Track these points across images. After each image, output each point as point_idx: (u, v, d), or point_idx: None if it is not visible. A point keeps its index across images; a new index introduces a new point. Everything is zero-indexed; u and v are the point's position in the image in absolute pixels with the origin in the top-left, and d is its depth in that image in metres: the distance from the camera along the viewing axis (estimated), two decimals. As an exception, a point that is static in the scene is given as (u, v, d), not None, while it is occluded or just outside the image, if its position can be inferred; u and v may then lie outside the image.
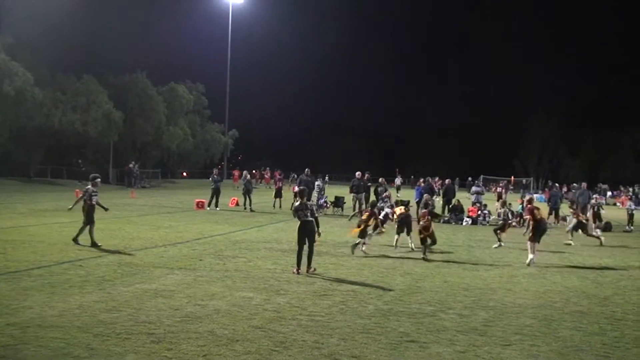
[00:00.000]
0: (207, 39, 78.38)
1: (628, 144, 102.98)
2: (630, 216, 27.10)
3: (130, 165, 50.59)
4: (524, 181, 75.23)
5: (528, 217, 16.62)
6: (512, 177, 71.26)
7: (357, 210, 28.26)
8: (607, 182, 68.67)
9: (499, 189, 48.28)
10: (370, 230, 16.48)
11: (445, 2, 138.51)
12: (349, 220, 21.97)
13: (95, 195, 15.93)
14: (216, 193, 29.37)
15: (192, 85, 67.59)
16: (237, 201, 31.72)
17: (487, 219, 27.73)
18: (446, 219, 27.54)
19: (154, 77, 59.82)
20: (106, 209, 16.30)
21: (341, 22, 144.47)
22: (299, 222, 13.06)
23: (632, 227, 26.77)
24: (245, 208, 29.01)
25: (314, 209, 13.70)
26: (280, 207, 30.96)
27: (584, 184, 31.12)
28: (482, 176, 56.98)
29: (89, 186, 16.01)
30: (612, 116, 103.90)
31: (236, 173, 59.79)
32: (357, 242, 16.14)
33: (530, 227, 16.10)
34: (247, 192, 29.63)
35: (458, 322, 9.26)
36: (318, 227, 13.13)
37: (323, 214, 28.64)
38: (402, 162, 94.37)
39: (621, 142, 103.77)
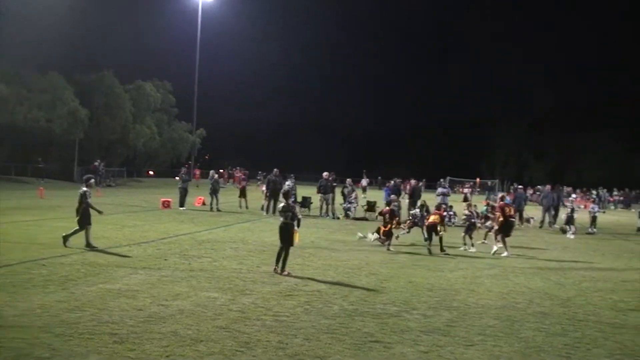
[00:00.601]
0: (176, 36, 77.97)
1: (592, 148, 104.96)
2: (593, 218, 27.49)
3: (96, 164, 49.94)
4: (489, 183, 75.83)
5: (498, 213, 17.68)
6: (478, 179, 71.82)
7: (324, 210, 28.33)
8: (571, 185, 69.63)
9: (465, 190, 48.65)
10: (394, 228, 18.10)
11: (417, 5, 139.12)
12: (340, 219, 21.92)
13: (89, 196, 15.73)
14: (184, 193, 29.15)
15: (159, 83, 66.87)
16: (203, 200, 31.54)
17: (452, 220, 27.92)
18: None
19: (121, 74, 59.16)
20: (100, 212, 15.90)
21: (312, 22, 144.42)
22: (280, 223, 13.21)
23: (594, 229, 27.17)
24: (211, 208, 28.84)
25: (296, 211, 13.84)
26: (246, 207, 30.84)
27: (547, 187, 31.57)
28: (448, 177, 57.27)
29: (85, 188, 15.76)
30: (576, 120, 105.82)
31: (197, 172, 59.48)
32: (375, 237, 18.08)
33: (499, 223, 17.29)
34: (214, 192, 29.44)
35: (422, 322, 9.33)
36: (298, 226, 13.44)
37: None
38: (369, 163, 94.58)
39: (585, 146, 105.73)
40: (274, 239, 18.08)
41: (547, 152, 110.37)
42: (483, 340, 8.56)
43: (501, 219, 17.54)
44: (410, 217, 21.51)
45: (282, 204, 13.61)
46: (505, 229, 17.47)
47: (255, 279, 12.11)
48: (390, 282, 12.54)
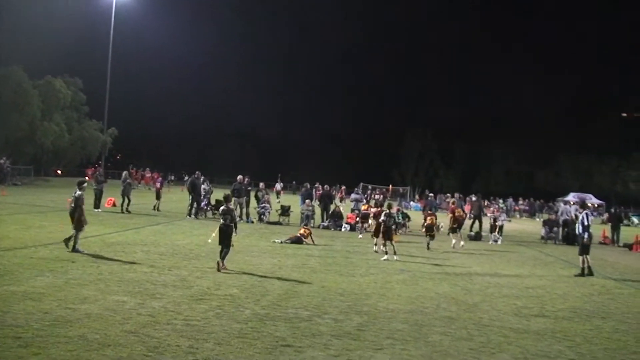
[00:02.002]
0: (90, 33, 75.70)
1: (499, 160, 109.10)
2: (500, 227, 28.34)
3: (1, 161, 48.11)
4: (401, 190, 77.21)
5: (450, 215, 23.19)
6: (390, 186, 72.87)
7: (238, 214, 28.17)
8: (478, 194, 71.73)
9: (377, 197, 49.33)
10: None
11: (334, 9, 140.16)
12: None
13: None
14: (99, 194, 28.42)
15: (70, 80, 64.92)
16: (114, 202, 30.83)
17: (365, 225, 28.31)
18: (325, 224, 27.95)
19: (30, 70, 57.15)
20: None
21: (226, 23, 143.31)
22: (220, 224, 14.36)
23: (500, 237, 28.04)
24: (122, 210, 28.22)
25: (234, 214, 15.21)
26: (158, 209, 30.37)
27: (456, 195, 32.56)
28: (361, 184, 57.95)
29: (79, 192, 15.53)
30: (484, 132, 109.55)
31: (89, 172, 58.06)
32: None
33: (451, 222, 22.60)
34: (124, 193, 28.84)
35: (333, 326, 9.42)
36: (236, 228, 14.59)
37: (204, 217, 28.37)
38: (286, 168, 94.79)
39: (493, 157, 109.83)
40: (187, 242, 18.00)
41: (456, 162, 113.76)
42: (392, 344, 8.71)
43: (453, 218, 23.58)
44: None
45: (222, 207, 14.94)
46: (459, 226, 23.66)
47: (166, 283, 11.95)
48: (302, 287, 12.61)
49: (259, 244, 18.34)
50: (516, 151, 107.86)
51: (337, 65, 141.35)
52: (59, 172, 69.50)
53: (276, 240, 20.41)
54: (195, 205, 28.17)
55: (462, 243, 22.86)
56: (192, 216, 27.84)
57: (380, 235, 19.06)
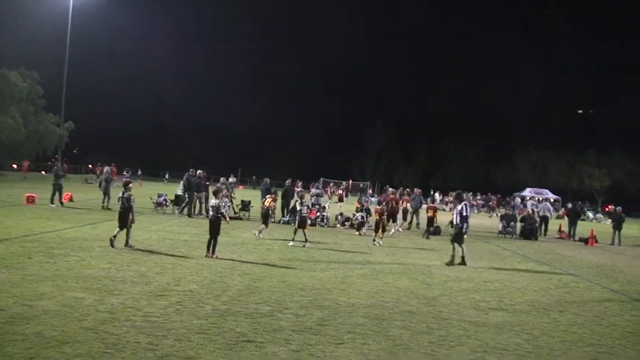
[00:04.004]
0: (46, 25, 74.30)
1: (457, 157, 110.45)
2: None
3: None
4: (360, 185, 77.60)
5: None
6: (350, 181, 73.22)
7: (197, 209, 28.00)
8: (438, 190, 72.56)
9: (339, 192, 49.47)
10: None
11: (298, 6, 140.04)
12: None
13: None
14: (59, 189, 27.94)
15: (26, 73, 63.69)
16: (70, 196, 30.35)
17: (325, 220, 28.41)
18: (286, 219, 27.91)
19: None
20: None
21: (190, 17, 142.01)
22: (210, 217, 15.95)
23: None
24: (103, 207, 27.87)
25: (222, 208, 16.72)
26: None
27: (416, 190, 32.79)
28: (322, 179, 58.07)
29: (128, 192, 16.28)
30: (443, 127, 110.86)
31: (25, 164, 57.22)
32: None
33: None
34: (106, 190, 28.51)
35: (294, 321, 9.41)
36: (225, 219, 16.40)
37: (162, 212, 28.09)
38: (248, 163, 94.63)
39: (451, 154, 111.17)
40: (146, 237, 17.81)
41: (416, 157, 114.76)
42: (352, 338, 8.74)
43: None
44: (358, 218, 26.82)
45: (212, 201, 16.22)
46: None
47: (124, 279, 11.80)
48: (263, 282, 12.57)
49: (219, 240, 18.17)
50: (474, 147, 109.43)
51: (299, 61, 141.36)
52: (15, 166, 68.22)
53: (255, 232, 21.04)
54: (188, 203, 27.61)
55: (393, 230, 26.07)
56: (188, 215, 27.09)
57: (375, 228, 22.06)
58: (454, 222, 17.97)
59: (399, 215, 28.73)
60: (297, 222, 20.15)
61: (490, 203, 60.72)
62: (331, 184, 54.43)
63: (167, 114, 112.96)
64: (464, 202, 18.11)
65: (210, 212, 16.22)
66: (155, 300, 10.16)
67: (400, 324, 9.84)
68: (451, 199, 40.81)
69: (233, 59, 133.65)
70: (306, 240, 19.43)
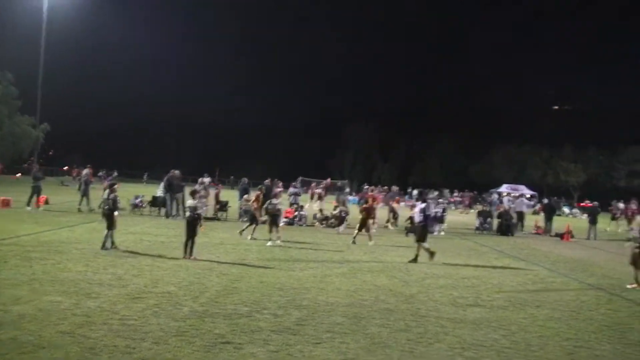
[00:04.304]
0: (20, 25, 73.38)
1: (434, 152, 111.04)
2: (441, 218, 28.85)
3: None
4: (339, 183, 77.63)
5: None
6: (329, 179, 73.20)
7: (175, 210, 27.81)
8: (416, 186, 72.76)
9: (318, 190, 49.44)
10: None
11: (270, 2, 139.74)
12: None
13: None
14: (37, 191, 27.68)
15: (0, 74, 62.92)
16: (45, 199, 30.01)
17: (303, 220, 28.41)
18: (263, 220, 27.83)
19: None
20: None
21: (166, 18, 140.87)
22: (187, 217, 15.94)
23: (443, 228, 28.69)
24: (80, 209, 27.68)
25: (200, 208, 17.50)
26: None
27: (394, 188, 32.92)
28: (300, 177, 57.92)
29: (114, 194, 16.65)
30: (420, 124, 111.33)
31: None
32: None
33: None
34: (85, 193, 28.32)
35: (272, 322, 9.41)
36: (200, 220, 16.12)
37: (139, 213, 27.91)
38: (223, 163, 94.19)
39: (428, 149, 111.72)
40: (122, 240, 17.68)
41: (394, 154, 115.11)
42: (331, 337, 8.76)
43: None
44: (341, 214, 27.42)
45: (189, 201, 16.35)
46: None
47: (102, 282, 11.73)
48: (241, 283, 12.56)
49: (196, 240, 18.10)
50: (452, 143, 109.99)
51: (274, 58, 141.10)
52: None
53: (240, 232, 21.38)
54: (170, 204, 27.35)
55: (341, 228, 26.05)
56: (170, 217, 26.81)
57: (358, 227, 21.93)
58: (416, 221, 18.07)
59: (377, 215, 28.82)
60: (268, 221, 20.28)
61: (462, 200, 60.92)
62: (313, 184, 54.45)
63: (143, 114, 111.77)
64: (427, 201, 18.31)
65: (187, 213, 16.19)
66: (133, 303, 10.11)
67: (378, 322, 9.88)
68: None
69: (209, 57, 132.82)
70: (277, 239, 19.65)
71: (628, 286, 15.21)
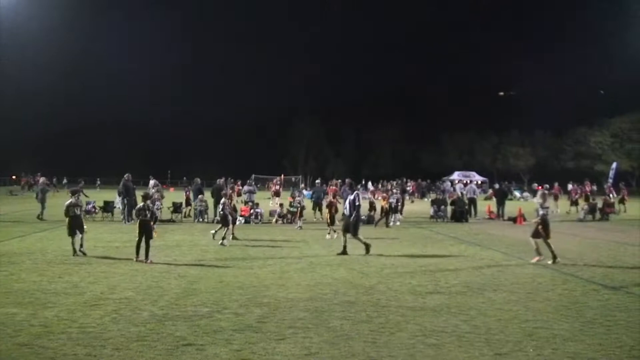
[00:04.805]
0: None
1: (384, 143, 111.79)
2: (396, 208, 29.07)
3: None
4: (293, 179, 77.72)
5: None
6: (282, 175, 73.31)
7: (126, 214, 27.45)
8: (369, 179, 73.22)
9: (276, 187, 49.55)
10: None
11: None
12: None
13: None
14: None
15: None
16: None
17: (259, 217, 28.32)
18: (219, 219, 27.70)
19: None
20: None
21: (113, 13, 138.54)
22: (139, 221, 15.51)
23: (399, 218, 28.94)
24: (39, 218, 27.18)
25: (154, 210, 17.64)
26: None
27: (347, 181, 33.05)
28: (253, 175, 57.88)
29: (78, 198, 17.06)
30: (370, 116, 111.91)
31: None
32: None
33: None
34: (42, 200, 27.90)
35: (234, 321, 9.37)
36: (155, 223, 16.56)
37: (92, 219, 27.44)
38: (170, 163, 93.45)
39: (379, 140, 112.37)
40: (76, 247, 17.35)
41: (345, 148, 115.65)
42: (294, 333, 8.76)
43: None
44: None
45: (140, 204, 15.95)
46: None
47: (57, 291, 11.52)
48: (200, 283, 12.47)
49: (153, 244, 17.93)
50: (401, 133, 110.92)
51: (222, 55, 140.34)
52: None
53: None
54: (128, 209, 26.81)
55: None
56: (127, 222, 26.17)
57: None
58: (345, 212, 18.03)
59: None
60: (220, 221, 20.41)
61: (409, 189, 61.54)
62: (275, 180, 54.36)
63: (89, 119, 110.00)
64: (355, 192, 18.37)
65: (137, 215, 15.95)
66: (91, 310, 9.96)
67: (340, 314, 9.90)
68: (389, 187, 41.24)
69: (153, 56, 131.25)
70: (231, 238, 19.95)
71: (531, 261, 16.02)
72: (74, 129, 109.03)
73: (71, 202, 16.47)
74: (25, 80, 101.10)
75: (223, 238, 19.32)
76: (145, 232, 15.44)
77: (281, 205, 30.47)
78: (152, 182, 49.02)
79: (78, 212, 16.72)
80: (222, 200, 20.87)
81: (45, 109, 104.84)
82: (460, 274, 14.11)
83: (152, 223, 15.94)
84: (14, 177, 79.97)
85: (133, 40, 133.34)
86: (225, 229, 19.71)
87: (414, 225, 27.80)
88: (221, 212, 20.29)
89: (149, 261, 15.12)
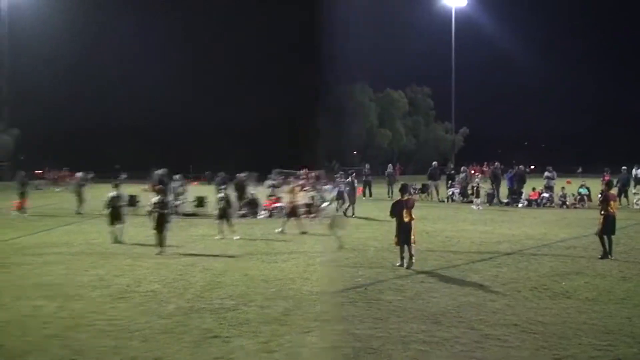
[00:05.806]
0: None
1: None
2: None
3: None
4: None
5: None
6: (306, 169, 73.12)
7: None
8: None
9: (303, 182, 49.60)
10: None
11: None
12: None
13: None
14: (25, 196, 27.42)
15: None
16: (19, 204, 29.55)
17: (282, 211, 28.25)
18: (242, 212, 27.75)
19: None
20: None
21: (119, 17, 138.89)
22: (157, 214, 15.94)
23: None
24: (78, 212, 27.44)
25: (170, 204, 18.34)
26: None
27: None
28: (277, 170, 57.66)
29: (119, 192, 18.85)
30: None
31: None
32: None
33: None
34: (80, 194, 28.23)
35: (259, 313, 9.40)
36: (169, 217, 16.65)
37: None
38: (192, 159, 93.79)
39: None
40: (102, 241, 17.58)
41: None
42: (320, 326, 8.77)
43: None
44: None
45: (155, 199, 16.34)
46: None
47: (84, 284, 11.64)
48: (225, 277, 12.52)
49: (175, 236, 18.00)
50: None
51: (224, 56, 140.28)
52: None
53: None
54: None
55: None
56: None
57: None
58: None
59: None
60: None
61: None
62: (301, 173, 54.55)
63: (108, 118, 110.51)
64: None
65: (154, 208, 16.23)
66: (117, 303, 10.05)
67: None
68: None
69: (172, 52, 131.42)
70: (231, 232, 19.43)
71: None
72: (93, 128, 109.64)
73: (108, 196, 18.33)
74: (41, 79, 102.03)
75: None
76: (162, 224, 15.90)
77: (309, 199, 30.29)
78: (176, 176, 49.30)
79: (114, 204, 18.21)
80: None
81: (66, 106, 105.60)
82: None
83: (168, 216, 16.44)
84: (40, 172, 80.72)
85: (149, 36, 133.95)
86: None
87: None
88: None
89: (159, 251, 15.56)
